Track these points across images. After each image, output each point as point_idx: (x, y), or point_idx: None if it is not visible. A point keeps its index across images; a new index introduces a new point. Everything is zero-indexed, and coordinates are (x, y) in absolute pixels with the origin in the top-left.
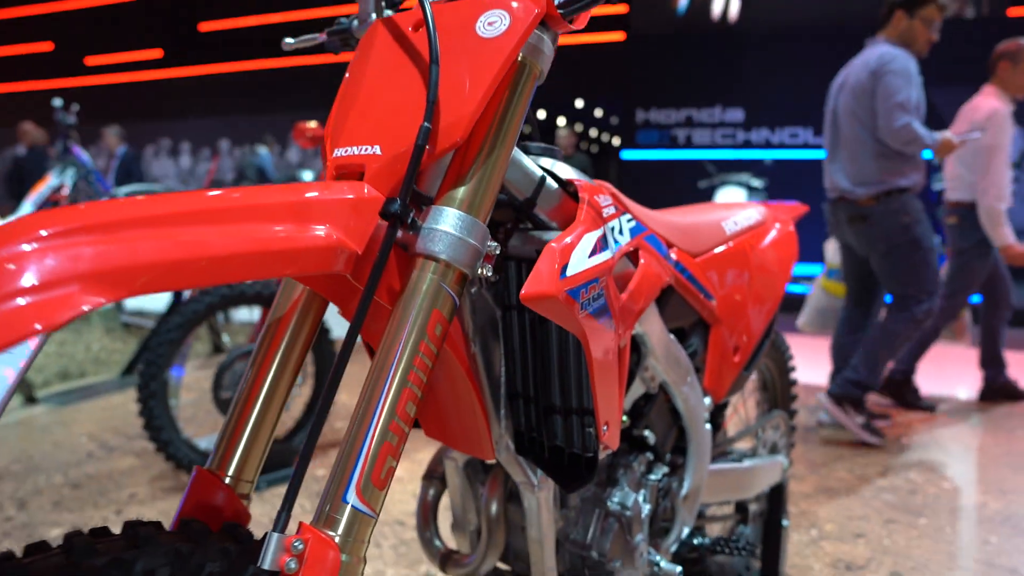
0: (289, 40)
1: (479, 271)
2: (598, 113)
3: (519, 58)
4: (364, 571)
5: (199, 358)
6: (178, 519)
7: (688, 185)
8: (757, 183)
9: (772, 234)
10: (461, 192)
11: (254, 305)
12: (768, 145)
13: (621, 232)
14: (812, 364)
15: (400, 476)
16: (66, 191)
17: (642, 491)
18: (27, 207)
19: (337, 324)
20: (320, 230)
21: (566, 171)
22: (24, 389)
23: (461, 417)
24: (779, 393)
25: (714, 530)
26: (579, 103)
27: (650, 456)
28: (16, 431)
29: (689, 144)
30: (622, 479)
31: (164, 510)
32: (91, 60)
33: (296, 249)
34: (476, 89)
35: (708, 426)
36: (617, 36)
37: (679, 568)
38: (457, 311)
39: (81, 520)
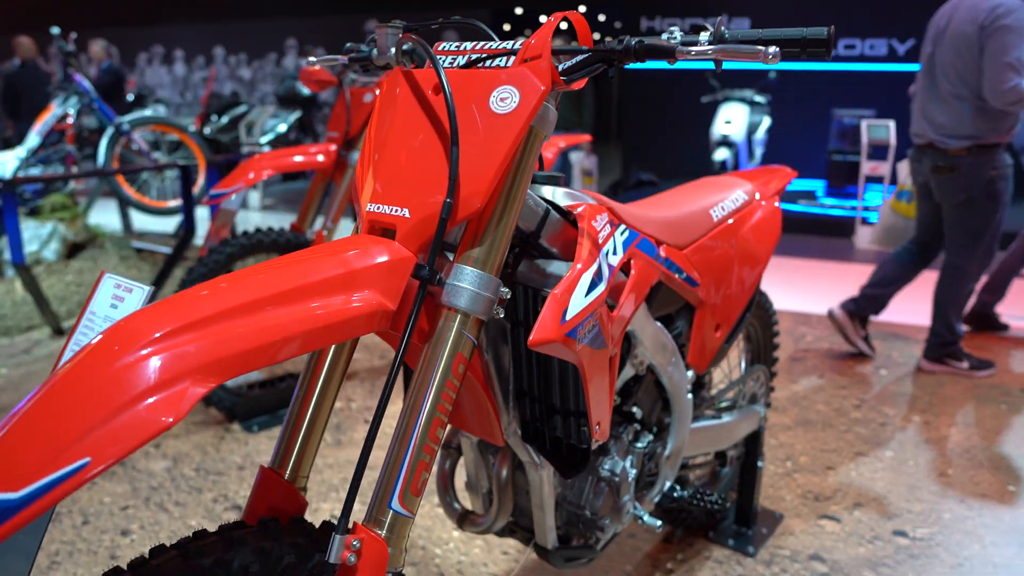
0: (312, 59)
1: (494, 314)
2: (601, 18)
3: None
4: (405, 559)
5: None
6: (248, 511)
7: (691, 99)
8: (760, 99)
9: (757, 214)
10: (477, 252)
11: (271, 253)
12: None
13: (615, 251)
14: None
15: None
16: (71, 119)
17: (629, 457)
18: (33, 137)
19: None
20: (364, 296)
21: (568, 197)
22: (51, 321)
23: (475, 409)
24: (762, 348)
25: (695, 474)
26: (581, 9)
27: (637, 427)
28: (49, 364)
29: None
30: (612, 448)
31: (198, 443)
32: None
33: (346, 320)
34: (491, 164)
35: (690, 396)
36: None
37: (659, 522)
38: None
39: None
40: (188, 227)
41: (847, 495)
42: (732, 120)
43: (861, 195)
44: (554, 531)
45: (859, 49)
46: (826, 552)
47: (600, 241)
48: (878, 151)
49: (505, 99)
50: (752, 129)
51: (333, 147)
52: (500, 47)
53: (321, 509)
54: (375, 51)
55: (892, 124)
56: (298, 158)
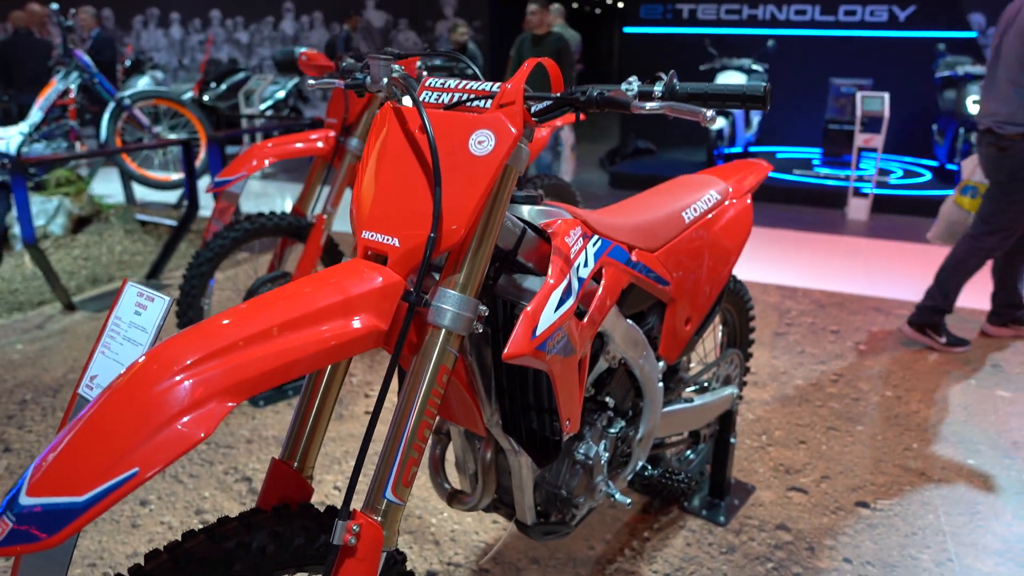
0: (311, 81)
1: (474, 330)
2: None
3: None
4: (397, 541)
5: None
6: (262, 498)
7: (689, 67)
8: (758, 67)
9: (729, 213)
10: (459, 277)
11: (274, 236)
12: (774, 22)
13: (586, 264)
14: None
15: None
16: (72, 95)
17: (603, 442)
18: (36, 113)
19: None
20: (360, 318)
21: (543, 215)
22: (62, 296)
23: (460, 403)
24: (738, 332)
25: (671, 451)
26: None
27: (610, 414)
28: (63, 339)
29: (693, 20)
30: (587, 434)
31: None
32: None
33: (346, 342)
34: (470, 201)
35: (660, 384)
36: None
37: (629, 500)
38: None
39: None
40: (191, 202)
41: (816, 468)
42: None
43: (855, 166)
44: (533, 509)
45: (860, 15)
46: (792, 522)
47: (572, 256)
48: (872, 123)
49: (482, 142)
50: None
51: (332, 133)
52: (480, 88)
53: (324, 481)
54: (368, 79)
55: (886, 96)
56: (299, 144)
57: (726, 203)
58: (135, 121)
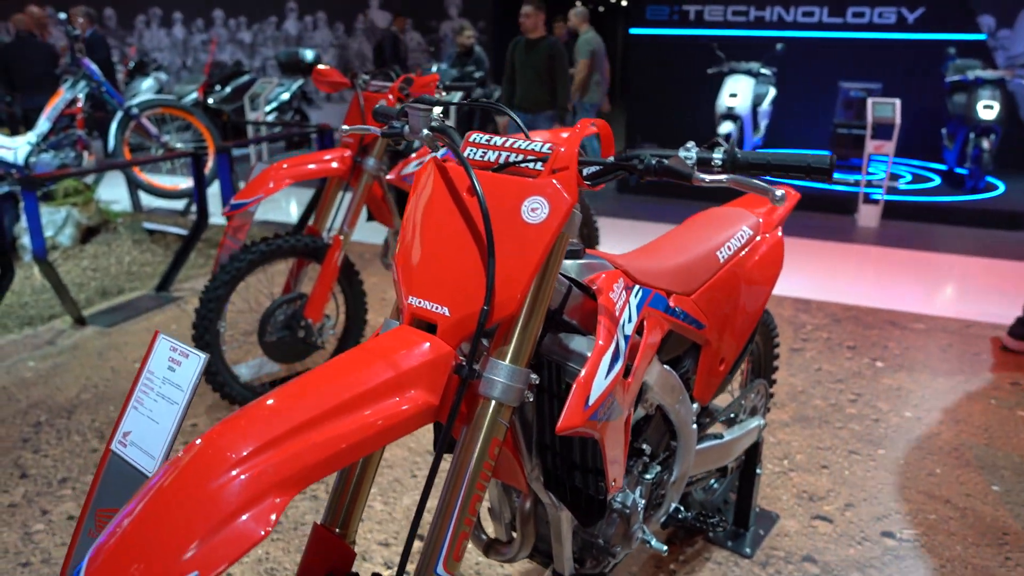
0: (345, 127)
1: (524, 399)
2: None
3: None
4: None
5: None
6: (303, 568)
7: (696, 69)
8: (766, 71)
9: (761, 249)
10: (510, 348)
11: (291, 257)
12: (781, 23)
13: (631, 318)
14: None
15: None
16: (80, 104)
17: (639, 488)
18: (43, 123)
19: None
20: (411, 395)
21: (587, 269)
22: (72, 310)
23: (502, 459)
24: (764, 363)
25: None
26: None
27: (646, 459)
28: (74, 356)
29: (700, 21)
30: (624, 482)
31: None
32: None
33: (397, 423)
34: (523, 272)
35: (695, 426)
36: None
37: (665, 547)
38: None
39: None
40: (201, 214)
41: (840, 495)
42: (738, 93)
43: (865, 172)
44: (571, 560)
45: (868, 17)
46: (818, 553)
47: (617, 313)
48: (883, 129)
49: (536, 209)
50: (757, 101)
51: (348, 153)
52: (530, 148)
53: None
54: (407, 127)
55: (898, 103)
56: (315, 166)
57: (758, 238)
58: (143, 130)
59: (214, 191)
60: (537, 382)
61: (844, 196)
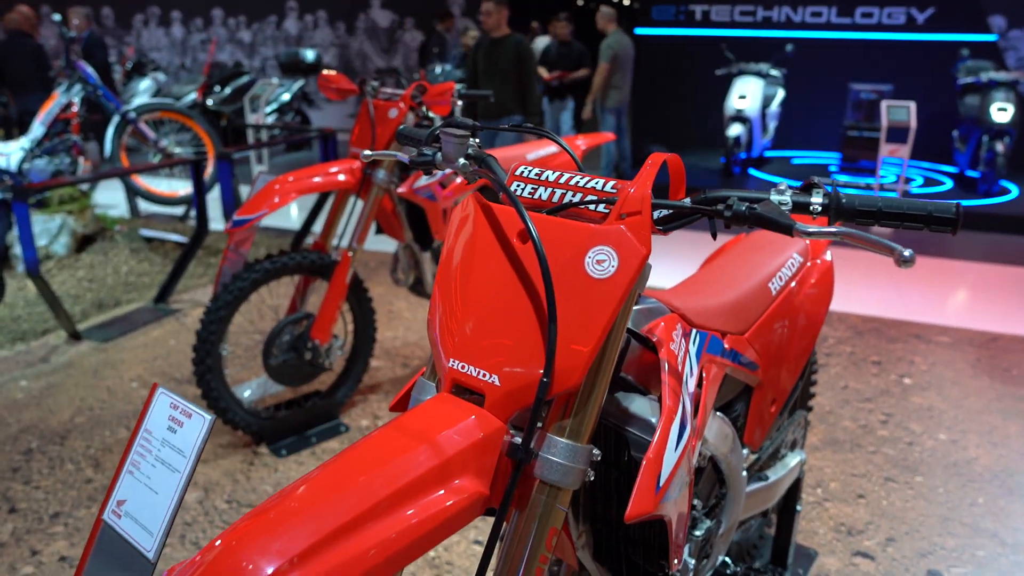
0: (368, 152)
1: (586, 479)
2: None
3: None
4: None
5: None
6: None
7: (704, 70)
8: (776, 72)
9: (812, 277)
10: (569, 424)
11: (296, 274)
12: (789, 24)
13: (692, 371)
14: None
15: None
16: (75, 108)
17: (688, 546)
18: (38, 128)
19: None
20: (458, 485)
21: (642, 317)
22: (67, 325)
23: None
24: (803, 392)
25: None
26: None
27: (696, 515)
28: (69, 375)
29: (707, 22)
30: None
31: (227, 470)
32: None
33: (444, 521)
34: (588, 337)
35: (744, 473)
36: None
37: None
38: None
39: None
40: (201, 223)
41: (880, 528)
42: (747, 95)
43: (878, 174)
44: None
45: (876, 17)
46: None
47: (680, 367)
48: (897, 133)
49: (603, 262)
50: (766, 102)
51: (356, 164)
52: (590, 186)
53: None
54: (439, 155)
55: (912, 106)
56: (321, 179)
57: (808, 264)
58: (141, 135)
59: (215, 195)
60: (600, 458)
61: None
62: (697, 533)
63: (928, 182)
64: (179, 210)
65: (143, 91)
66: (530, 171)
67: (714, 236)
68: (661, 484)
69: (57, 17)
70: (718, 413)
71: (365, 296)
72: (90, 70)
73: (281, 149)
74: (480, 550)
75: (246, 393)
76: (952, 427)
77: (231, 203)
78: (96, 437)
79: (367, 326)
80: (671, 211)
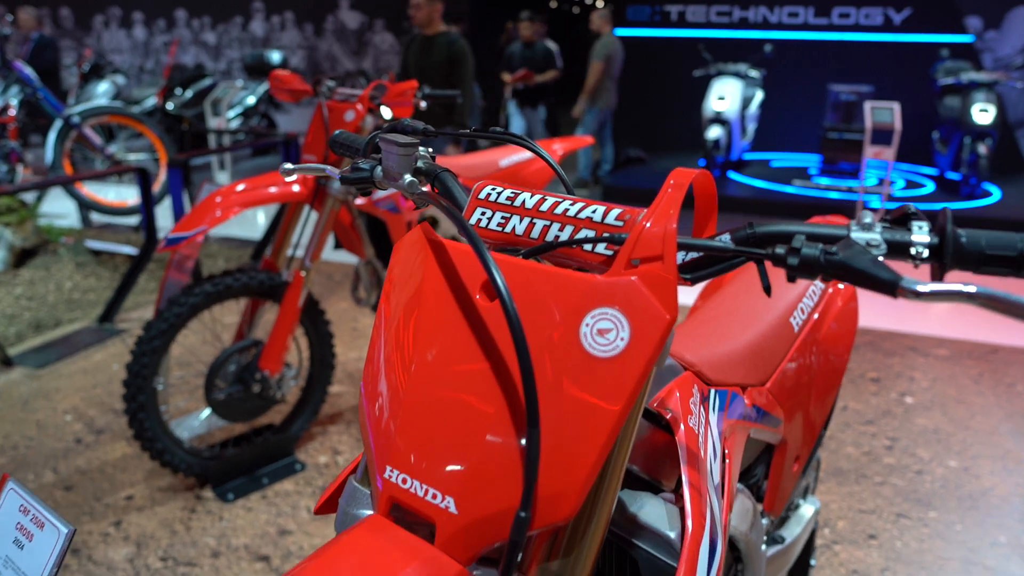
0: (288, 166)
1: None
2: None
3: None
4: None
5: None
6: None
7: (683, 72)
8: (755, 73)
9: (836, 305)
10: (557, 565)
11: (242, 297)
12: (766, 24)
13: (715, 451)
14: None
15: None
16: (12, 111)
17: None
18: None
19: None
20: None
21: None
22: None
23: None
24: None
25: None
26: None
27: None
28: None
29: (682, 22)
30: None
31: (164, 519)
32: None
33: None
34: (588, 448)
35: (764, 546)
36: None
37: None
38: None
39: (80, 535)
40: (149, 234)
41: (896, 574)
42: (725, 96)
43: (863, 178)
44: None
45: (854, 18)
46: None
47: (703, 455)
48: (881, 135)
49: (607, 331)
50: (745, 104)
51: None
52: (586, 216)
53: None
54: (378, 169)
55: (897, 107)
56: (272, 189)
57: (830, 290)
58: (86, 141)
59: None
60: None
61: (838, 204)
62: None
63: (909, 184)
64: (135, 220)
65: (101, 94)
66: (500, 193)
67: (767, 291)
68: None
69: (10, 18)
70: (738, 484)
71: (322, 319)
72: (28, 71)
73: (247, 154)
74: None
75: (185, 433)
76: (962, 452)
77: (182, 214)
78: (19, 479)
79: (324, 352)
80: (701, 254)
